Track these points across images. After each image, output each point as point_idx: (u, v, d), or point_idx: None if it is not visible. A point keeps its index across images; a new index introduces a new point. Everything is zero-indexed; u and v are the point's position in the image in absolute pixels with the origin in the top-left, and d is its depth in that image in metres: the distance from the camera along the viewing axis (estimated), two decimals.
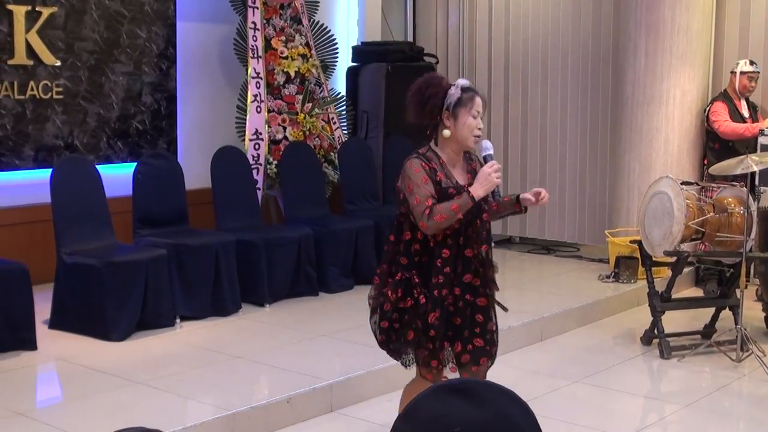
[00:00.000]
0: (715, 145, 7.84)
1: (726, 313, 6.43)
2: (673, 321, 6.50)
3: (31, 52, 6.83)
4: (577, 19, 8.85)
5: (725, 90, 7.90)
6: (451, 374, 3.92)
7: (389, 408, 4.90)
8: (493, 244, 4.01)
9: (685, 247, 6.23)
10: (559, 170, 8.96)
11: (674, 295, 6.39)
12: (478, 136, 3.79)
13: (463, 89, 3.77)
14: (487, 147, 3.82)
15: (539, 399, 5.08)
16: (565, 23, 8.93)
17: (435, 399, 2.24)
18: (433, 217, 3.64)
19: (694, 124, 8.03)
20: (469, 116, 3.74)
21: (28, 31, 6.80)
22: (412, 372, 5.46)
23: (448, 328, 3.80)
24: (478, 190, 3.67)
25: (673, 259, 6.20)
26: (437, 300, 3.73)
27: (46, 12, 6.88)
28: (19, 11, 6.74)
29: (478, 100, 3.77)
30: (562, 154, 8.98)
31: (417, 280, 3.74)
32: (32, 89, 6.86)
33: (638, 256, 6.79)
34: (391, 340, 3.84)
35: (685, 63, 7.94)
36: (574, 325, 6.77)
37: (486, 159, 3.78)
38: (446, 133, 3.76)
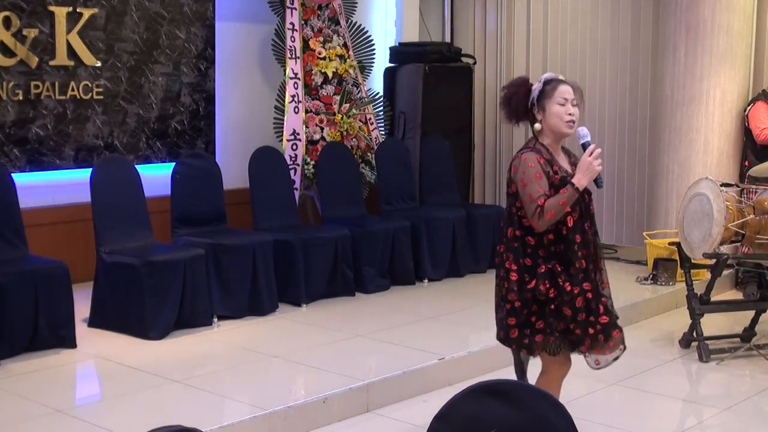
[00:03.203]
0: (756, 146, 7.75)
1: (766, 316, 6.36)
2: (712, 324, 6.44)
3: (71, 52, 6.91)
4: (616, 18, 8.79)
5: (765, 89, 7.81)
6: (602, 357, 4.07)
7: (425, 408, 4.90)
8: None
9: (725, 249, 6.17)
10: None
11: (713, 298, 6.32)
12: (572, 121, 3.88)
13: (545, 82, 3.91)
14: (583, 134, 3.93)
15: (576, 401, 5.05)
16: (604, 23, 8.87)
17: (471, 400, 2.24)
18: (544, 216, 3.78)
19: (734, 124, 7.94)
20: (555, 104, 3.86)
21: (69, 32, 6.87)
22: (448, 372, 5.46)
23: (589, 313, 3.92)
24: (581, 180, 3.80)
25: (713, 261, 6.14)
26: (581, 284, 3.85)
27: (86, 13, 6.95)
28: (61, 12, 6.82)
29: (562, 87, 3.88)
30: (600, 154, 8.90)
31: (560, 270, 3.85)
32: (73, 90, 6.93)
33: (677, 258, 6.73)
34: (524, 333, 3.93)
35: (725, 63, 7.85)
36: None
37: (584, 146, 3.89)
38: (537, 126, 3.91)
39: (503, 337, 4.02)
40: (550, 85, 3.88)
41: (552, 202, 3.77)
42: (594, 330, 3.90)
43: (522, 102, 3.92)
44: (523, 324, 3.91)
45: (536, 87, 3.90)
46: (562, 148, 4.04)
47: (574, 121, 3.88)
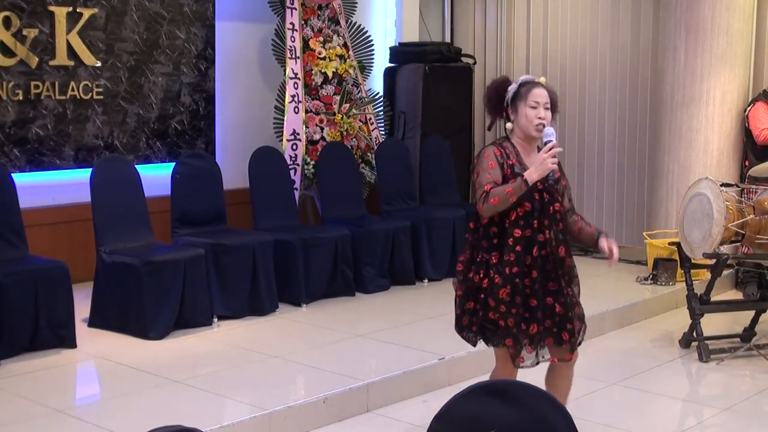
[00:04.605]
0: (756, 147, 7.75)
1: (766, 316, 6.36)
2: (712, 324, 6.44)
3: (71, 52, 6.91)
4: (616, 19, 8.79)
5: (765, 90, 7.81)
6: (527, 355, 4.02)
7: (425, 408, 4.90)
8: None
9: (725, 249, 6.16)
10: (597, 171, 8.91)
11: (713, 298, 6.32)
12: (541, 125, 3.96)
13: (521, 84, 4.01)
14: (548, 134, 3.97)
15: (576, 401, 5.04)
16: (604, 23, 8.87)
17: (471, 400, 2.24)
18: (488, 200, 3.87)
19: (734, 125, 7.94)
20: (527, 107, 3.96)
21: (69, 32, 6.87)
22: (448, 372, 5.47)
23: (525, 309, 3.93)
24: (531, 174, 3.86)
25: (713, 261, 6.14)
26: (508, 277, 3.89)
27: (86, 13, 6.95)
28: (61, 12, 6.82)
29: (535, 90, 3.97)
30: (600, 155, 8.92)
31: (494, 261, 3.93)
32: (73, 90, 6.93)
33: (677, 258, 6.73)
34: (472, 322, 4.02)
35: (726, 63, 7.85)
36: (611, 328, 6.72)
37: (545, 144, 3.95)
38: (508, 126, 4.04)
39: (455, 326, 4.14)
40: (525, 87, 3.98)
41: (498, 189, 3.87)
42: (536, 330, 3.94)
43: (500, 101, 4.03)
44: (470, 313, 4.02)
45: (512, 88, 4.01)
46: (538, 148, 4.07)
47: (543, 125, 3.96)
